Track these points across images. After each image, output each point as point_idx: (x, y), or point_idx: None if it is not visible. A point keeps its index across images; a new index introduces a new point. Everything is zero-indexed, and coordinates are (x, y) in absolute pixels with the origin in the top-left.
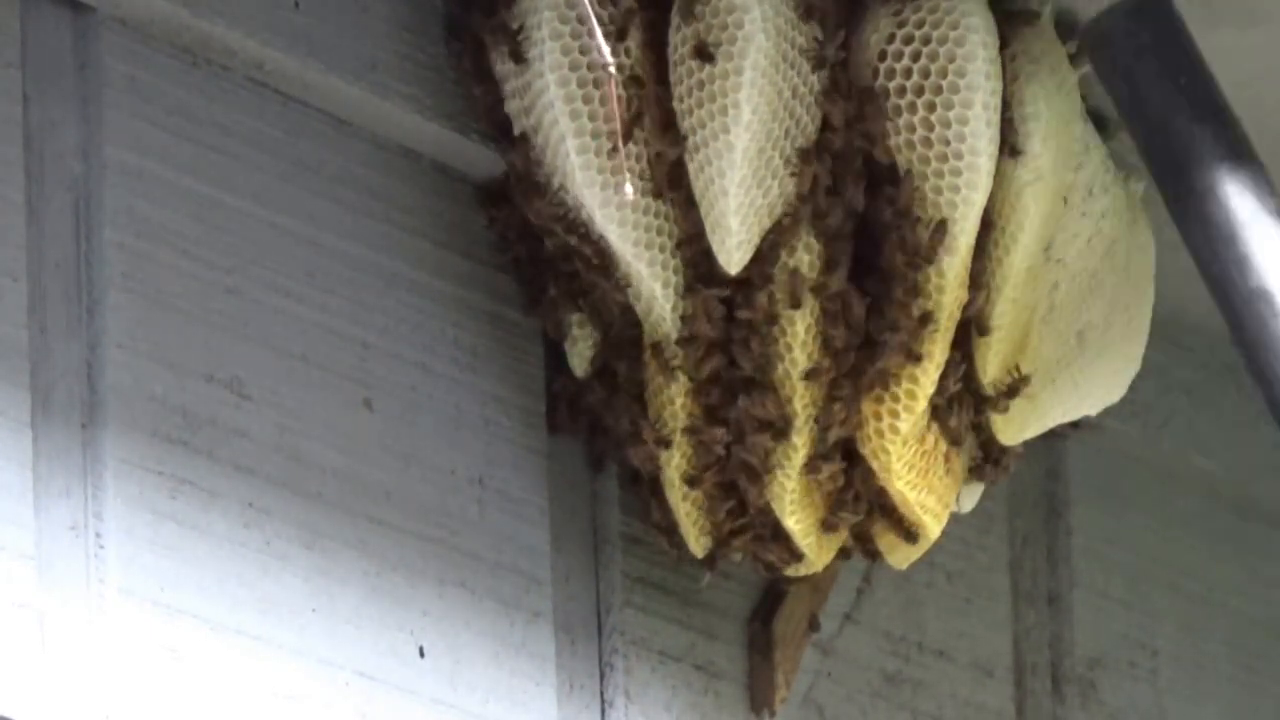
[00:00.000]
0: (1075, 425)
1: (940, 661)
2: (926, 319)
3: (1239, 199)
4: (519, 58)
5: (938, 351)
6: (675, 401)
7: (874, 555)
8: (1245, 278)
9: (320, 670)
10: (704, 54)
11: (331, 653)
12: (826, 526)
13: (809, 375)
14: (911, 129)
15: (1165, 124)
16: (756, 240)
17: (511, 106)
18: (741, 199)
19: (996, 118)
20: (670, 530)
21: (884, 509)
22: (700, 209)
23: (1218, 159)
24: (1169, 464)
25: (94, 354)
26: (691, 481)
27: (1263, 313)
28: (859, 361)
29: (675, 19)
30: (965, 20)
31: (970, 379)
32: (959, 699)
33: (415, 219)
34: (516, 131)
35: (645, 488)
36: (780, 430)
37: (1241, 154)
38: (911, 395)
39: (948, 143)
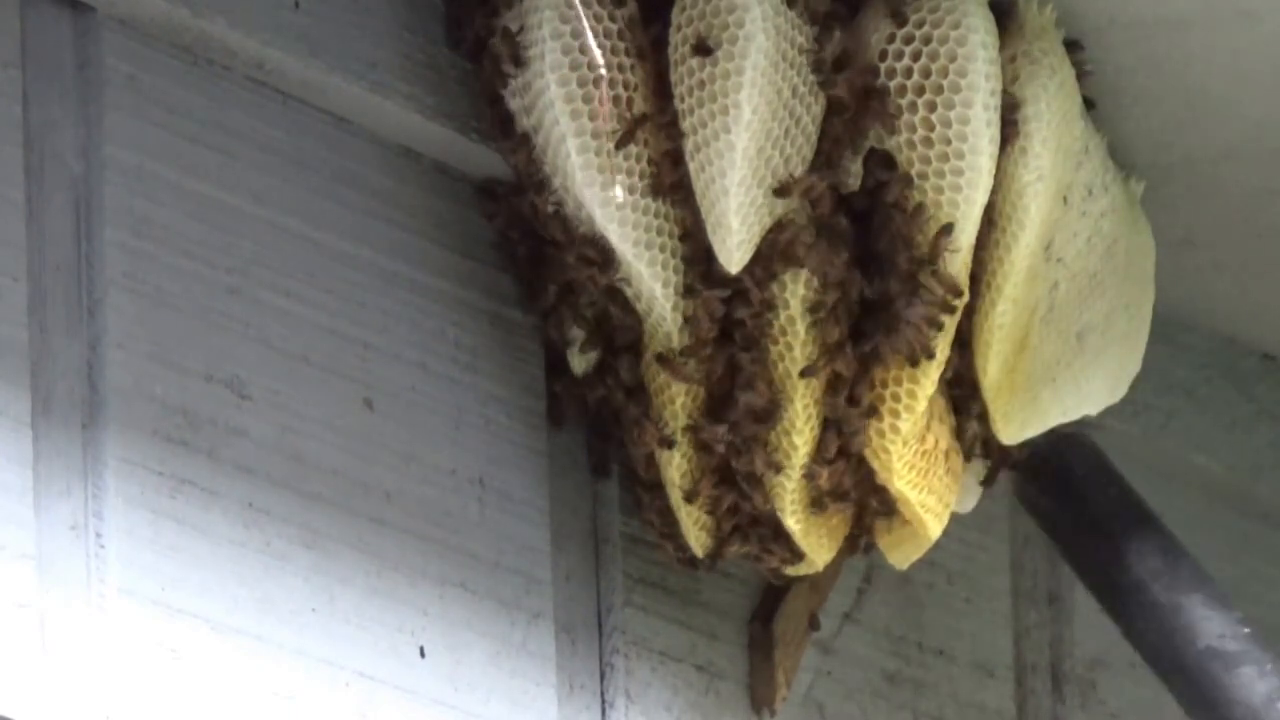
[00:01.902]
0: (1075, 425)
1: (941, 661)
2: (931, 320)
3: (1179, 582)
4: (519, 58)
5: (938, 351)
6: (676, 401)
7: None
8: (1195, 642)
9: (320, 670)
10: (704, 49)
11: (332, 653)
12: (828, 526)
13: (807, 373)
14: (912, 129)
15: (1101, 533)
16: (757, 240)
17: (512, 106)
18: (742, 198)
19: (996, 118)
20: (671, 530)
21: (883, 508)
22: (701, 208)
23: (1151, 554)
24: (1169, 464)
25: (94, 354)
26: (692, 479)
27: (1214, 670)
28: (862, 360)
29: (675, 18)
30: (965, 20)
31: (970, 379)
32: (959, 699)
33: (415, 219)
34: (518, 131)
35: (646, 487)
36: (772, 415)
37: (1177, 549)
38: (912, 395)
39: (948, 142)
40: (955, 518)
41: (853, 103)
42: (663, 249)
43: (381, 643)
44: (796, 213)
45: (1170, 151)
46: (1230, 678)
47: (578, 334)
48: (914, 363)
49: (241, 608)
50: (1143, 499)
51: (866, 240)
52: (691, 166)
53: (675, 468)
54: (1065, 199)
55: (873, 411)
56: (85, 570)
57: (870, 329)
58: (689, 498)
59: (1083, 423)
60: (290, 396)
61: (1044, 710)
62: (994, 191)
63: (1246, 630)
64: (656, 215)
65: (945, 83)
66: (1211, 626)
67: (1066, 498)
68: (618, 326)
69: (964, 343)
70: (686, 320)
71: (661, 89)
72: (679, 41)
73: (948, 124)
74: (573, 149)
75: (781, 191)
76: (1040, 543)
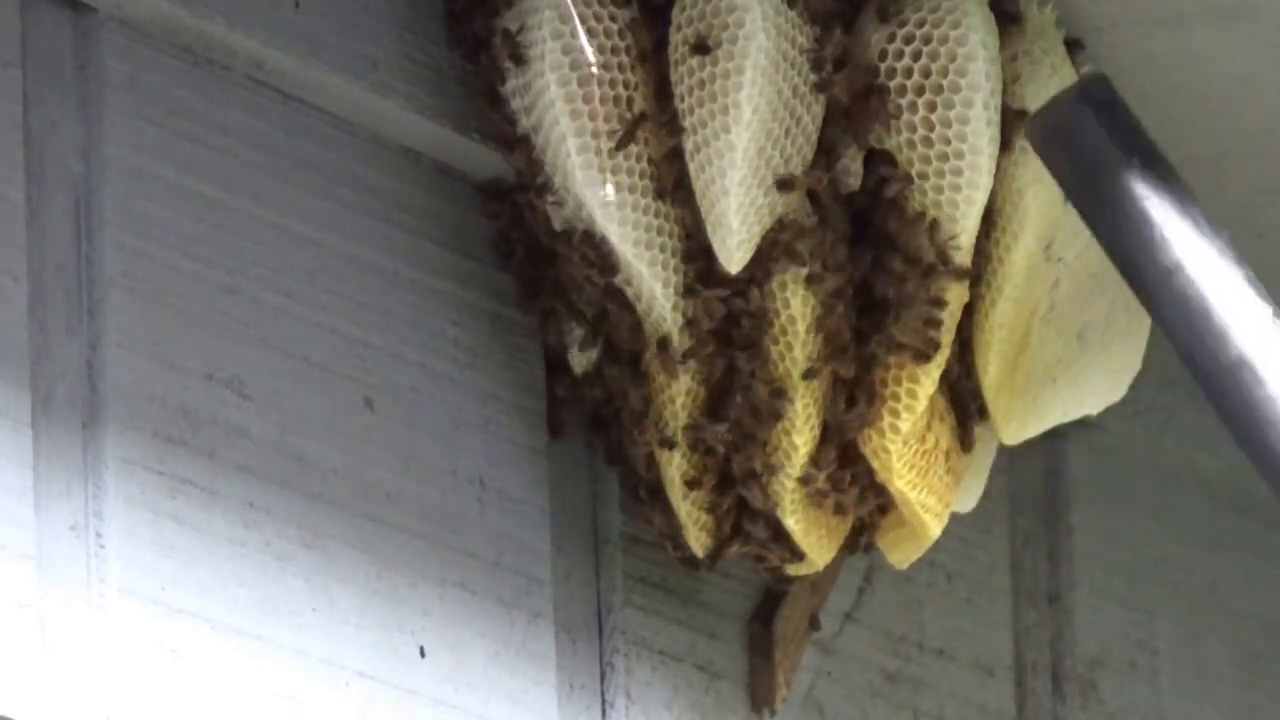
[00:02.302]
0: (1075, 425)
1: (941, 661)
2: (932, 320)
3: (1209, 273)
4: (519, 58)
5: (940, 349)
6: (676, 401)
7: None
8: (1225, 349)
9: (321, 670)
10: (704, 48)
11: (332, 653)
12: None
13: (808, 374)
14: (912, 129)
15: (1124, 209)
16: (757, 239)
17: (513, 106)
18: (742, 198)
19: (996, 118)
20: (671, 530)
21: (883, 508)
22: (701, 208)
23: (1182, 237)
24: (1169, 464)
25: (94, 353)
26: (692, 479)
27: (1246, 381)
28: (862, 361)
29: (675, 18)
30: (965, 20)
31: (970, 379)
32: (959, 698)
33: (415, 219)
34: (518, 131)
35: (646, 487)
36: (772, 416)
37: (1205, 229)
38: (912, 395)
39: (948, 142)
40: (955, 518)
41: (852, 102)
42: (663, 249)
43: (381, 643)
44: (797, 212)
45: (1170, 151)
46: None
47: (577, 334)
48: (923, 359)
49: (241, 608)
50: (1167, 166)
51: (867, 240)
52: (691, 166)
53: (675, 468)
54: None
55: (873, 412)
56: (85, 570)
57: (870, 329)
58: (689, 497)
59: (1083, 422)
60: (290, 396)
61: (1044, 710)
62: (994, 191)
63: None
64: (656, 215)
65: (945, 83)
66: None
67: (1083, 172)
68: (618, 326)
69: (964, 342)
70: (687, 320)
71: (662, 89)
72: (679, 41)
73: (948, 124)
74: (573, 149)
75: (785, 185)
76: (1041, 542)
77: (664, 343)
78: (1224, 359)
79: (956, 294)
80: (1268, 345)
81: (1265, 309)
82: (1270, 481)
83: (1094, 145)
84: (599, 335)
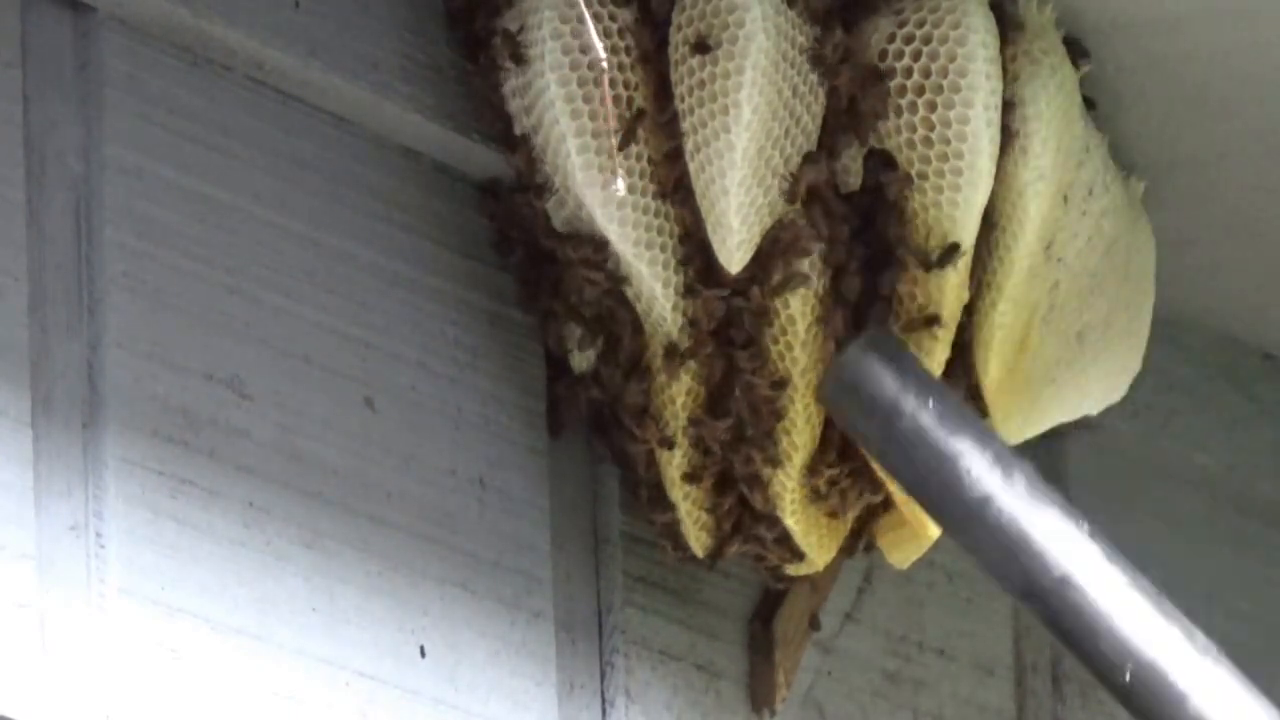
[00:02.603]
0: (1075, 425)
1: (941, 660)
2: (933, 320)
3: (1019, 502)
4: (519, 58)
5: (938, 351)
6: (676, 401)
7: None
8: (1047, 571)
9: (321, 670)
10: (704, 48)
11: (332, 652)
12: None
13: (810, 372)
14: (912, 129)
15: (924, 446)
16: (757, 239)
17: (513, 106)
18: (742, 198)
19: (996, 118)
20: (671, 530)
21: (883, 507)
22: (701, 208)
23: (988, 469)
24: (1169, 464)
25: (95, 353)
26: (692, 478)
27: (1070, 597)
28: None
29: (675, 18)
30: (965, 20)
31: (970, 379)
32: (959, 698)
33: (415, 218)
34: (518, 131)
35: (646, 487)
36: (772, 415)
37: (1009, 458)
38: None
39: (948, 142)
40: None
41: (855, 96)
42: (663, 249)
43: (382, 642)
44: (797, 212)
45: (1170, 151)
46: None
47: (577, 334)
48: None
49: (242, 607)
50: (958, 404)
51: (867, 239)
52: (692, 166)
53: (675, 467)
54: (1065, 198)
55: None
56: (85, 570)
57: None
58: (689, 497)
59: (1083, 422)
60: (290, 396)
61: (1044, 710)
62: (994, 191)
63: (1099, 548)
64: (657, 215)
65: (945, 83)
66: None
67: (880, 419)
68: (618, 326)
69: (964, 342)
70: (687, 320)
71: (662, 89)
72: (679, 41)
73: (948, 124)
74: (573, 149)
75: (792, 196)
76: None
77: (668, 344)
78: (1046, 580)
79: (956, 294)
80: (1085, 562)
81: (1079, 527)
82: (1109, 687)
83: (888, 393)
84: (599, 335)
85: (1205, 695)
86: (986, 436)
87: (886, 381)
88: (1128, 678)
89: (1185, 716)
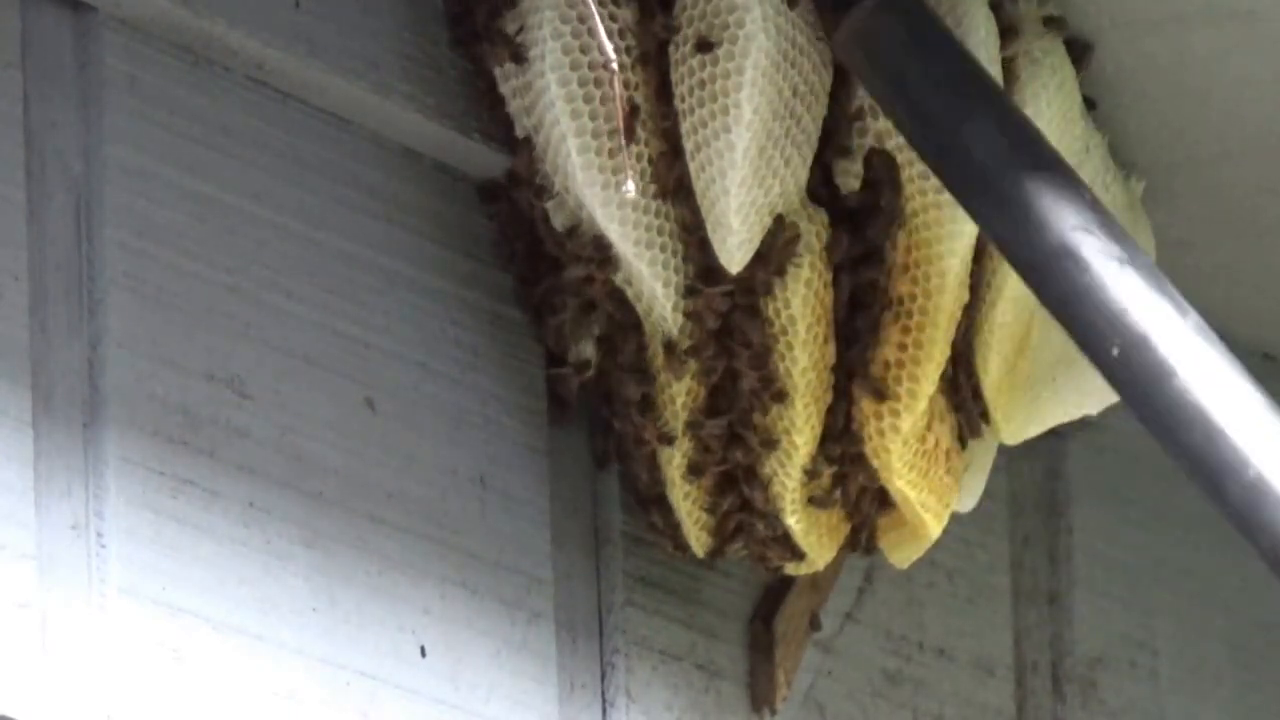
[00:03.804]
0: (1076, 425)
1: (941, 660)
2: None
3: (1023, 169)
4: (519, 58)
5: (938, 351)
6: (676, 400)
7: (879, 540)
8: (1045, 240)
9: (321, 670)
10: (705, 47)
11: (333, 652)
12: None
13: (809, 372)
14: None
15: (938, 116)
16: (758, 239)
17: (513, 106)
18: (743, 198)
19: None
20: (671, 528)
21: (883, 507)
22: (701, 208)
23: (1001, 148)
24: (1169, 464)
25: (95, 353)
26: (692, 477)
27: (1069, 269)
28: (855, 360)
29: (676, 18)
30: (965, 20)
31: (970, 379)
32: (960, 698)
33: (416, 218)
34: (518, 131)
35: (646, 487)
36: (772, 414)
37: (1022, 125)
38: (912, 395)
39: None
40: (955, 517)
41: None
42: (663, 249)
43: (382, 642)
44: (797, 213)
45: (1170, 151)
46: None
47: (578, 334)
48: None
49: (242, 607)
50: (975, 64)
51: (866, 239)
52: (692, 166)
53: (675, 466)
54: None
55: (873, 412)
56: (86, 570)
57: (869, 328)
58: (689, 496)
59: (1083, 423)
60: (291, 396)
61: (1044, 710)
62: None
63: (1102, 218)
64: (657, 215)
65: None
66: (1066, 217)
67: (898, 75)
68: (618, 326)
69: (964, 342)
70: (687, 319)
71: (662, 89)
72: (679, 41)
73: None
74: (573, 149)
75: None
76: (1041, 542)
77: (668, 344)
78: (1045, 248)
79: (956, 295)
80: (1085, 235)
81: (1083, 196)
82: (1096, 363)
83: (908, 57)
84: (599, 335)
85: (1192, 370)
86: (998, 100)
87: (897, 41)
88: (1115, 352)
89: (1171, 390)
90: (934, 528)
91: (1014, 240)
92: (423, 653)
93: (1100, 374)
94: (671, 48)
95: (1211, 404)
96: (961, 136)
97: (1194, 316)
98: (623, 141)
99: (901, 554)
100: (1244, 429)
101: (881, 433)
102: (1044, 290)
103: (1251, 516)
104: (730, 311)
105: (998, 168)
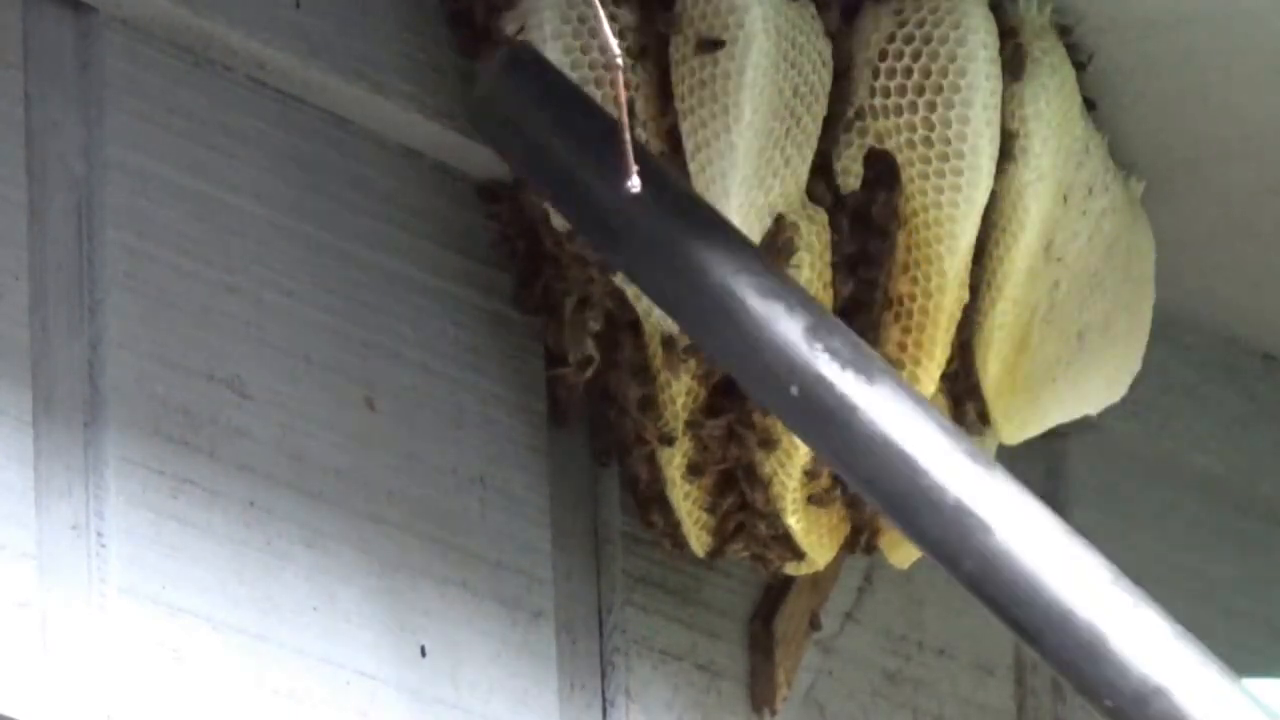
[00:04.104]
0: (1076, 425)
1: (941, 660)
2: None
3: (674, 220)
4: None
5: (938, 351)
6: (677, 400)
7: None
8: (708, 276)
9: (321, 669)
10: (707, 46)
11: (333, 652)
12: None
13: None
14: (912, 129)
15: (571, 169)
16: (758, 239)
17: None
18: (743, 198)
19: (996, 117)
20: (671, 528)
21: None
22: None
23: (649, 210)
24: (1169, 464)
25: (95, 353)
26: (692, 477)
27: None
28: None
29: (676, 19)
30: (965, 20)
31: (970, 379)
32: (960, 698)
33: (416, 218)
34: None
35: (646, 487)
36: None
37: (665, 180)
38: None
39: (948, 142)
40: None
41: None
42: None
43: (382, 642)
44: (797, 212)
45: (1170, 151)
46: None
47: (578, 334)
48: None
49: (242, 607)
50: (597, 112)
51: (865, 238)
52: (692, 166)
53: (675, 466)
54: (1065, 198)
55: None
56: (86, 570)
57: (864, 328)
58: (689, 496)
59: (1083, 422)
60: (291, 396)
61: (1044, 710)
62: (994, 191)
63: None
64: None
65: (945, 83)
66: (720, 258)
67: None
68: (618, 326)
69: (964, 343)
70: (690, 353)
71: (662, 89)
72: (680, 42)
73: (948, 124)
74: None
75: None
76: None
77: (667, 340)
78: (703, 282)
79: (956, 295)
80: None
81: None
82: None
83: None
84: (599, 336)
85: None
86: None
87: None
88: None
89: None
90: None
91: (675, 292)
92: (423, 653)
93: (780, 415)
94: (671, 48)
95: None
96: (600, 188)
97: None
98: (624, 140)
99: (901, 554)
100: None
101: None
102: (709, 340)
103: (952, 544)
104: None
105: (650, 221)
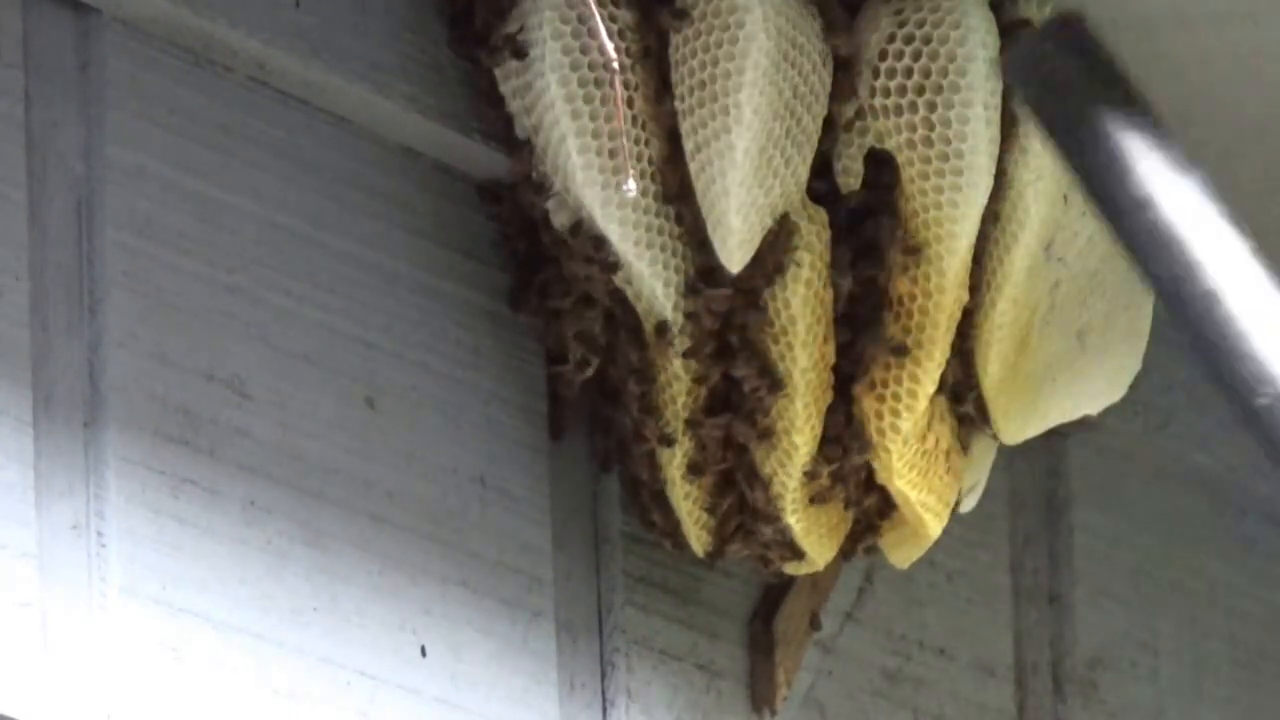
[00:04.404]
0: (1076, 425)
1: (941, 660)
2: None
3: (1181, 207)
4: (520, 57)
5: (938, 351)
6: (677, 400)
7: (880, 539)
8: (1196, 282)
9: (322, 669)
10: (680, 15)
11: (333, 651)
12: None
13: (810, 372)
14: (912, 129)
15: (1098, 141)
16: (758, 239)
17: (513, 106)
18: (743, 198)
19: (996, 117)
20: (671, 529)
21: (883, 507)
22: (701, 208)
23: (1154, 171)
24: (1169, 464)
25: (95, 353)
26: (692, 477)
27: (1215, 314)
28: (855, 358)
29: (676, 20)
30: (965, 20)
31: (970, 379)
32: (960, 698)
33: (416, 218)
34: (518, 131)
35: (646, 487)
36: (772, 413)
37: (1180, 164)
38: (912, 395)
39: (948, 142)
40: (955, 518)
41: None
42: (664, 249)
43: (383, 641)
44: (797, 212)
45: None
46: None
47: (578, 333)
48: (898, 352)
49: (243, 606)
50: (1148, 106)
51: (865, 238)
52: (692, 166)
53: (675, 466)
54: (1065, 198)
55: (873, 411)
56: (87, 569)
57: (868, 327)
58: (689, 497)
59: (1083, 422)
60: (291, 396)
61: (1044, 710)
62: (994, 191)
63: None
64: (657, 215)
65: (945, 83)
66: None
67: (1059, 104)
68: (618, 327)
69: (964, 342)
70: (687, 319)
71: (662, 89)
72: (680, 42)
73: (948, 124)
74: (573, 149)
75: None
76: (1041, 542)
77: (661, 327)
78: (1195, 289)
79: (956, 295)
80: (1238, 278)
81: (1243, 240)
82: (1239, 410)
83: (1068, 79)
84: (599, 336)
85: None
86: (1162, 136)
87: (1069, 66)
88: (1265, 400)
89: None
90: (934, 528)
91: (1163, 275)
92: (423, 652)
93: (1246, 422)
94: (671, 48)
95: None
96: (1124, 169)
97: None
98: (622, 142)
99: (901, 554)
100: None
101: (881, 433)
102: (1192, 329)
103: None
104: (730, 311)
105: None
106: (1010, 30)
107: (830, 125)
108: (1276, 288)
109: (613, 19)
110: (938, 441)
